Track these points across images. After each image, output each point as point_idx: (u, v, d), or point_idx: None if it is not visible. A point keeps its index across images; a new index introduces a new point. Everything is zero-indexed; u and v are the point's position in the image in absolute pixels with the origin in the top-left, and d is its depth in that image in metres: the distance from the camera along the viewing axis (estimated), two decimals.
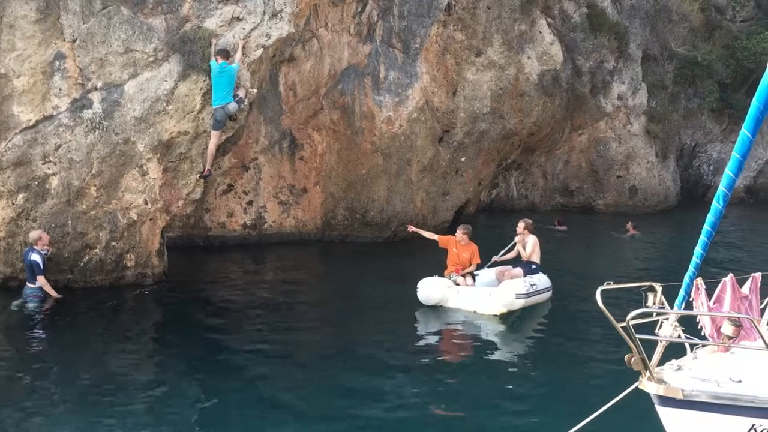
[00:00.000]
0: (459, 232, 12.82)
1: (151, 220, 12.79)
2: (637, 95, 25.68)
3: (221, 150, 14.15)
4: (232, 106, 12.51)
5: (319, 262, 17.16)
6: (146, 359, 9.64)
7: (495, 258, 13.25)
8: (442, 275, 12.56)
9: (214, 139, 12.75)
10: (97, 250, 12.36)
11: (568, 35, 23.03)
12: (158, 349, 10.16)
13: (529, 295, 12.11)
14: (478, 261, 12.81)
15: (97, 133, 12.13)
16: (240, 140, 15.82)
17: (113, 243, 12.46)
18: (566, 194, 26.24)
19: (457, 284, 12.39)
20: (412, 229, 13.84)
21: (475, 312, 11.96)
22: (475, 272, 12.76)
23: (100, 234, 12.33)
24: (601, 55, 24.27)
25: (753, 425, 4.95)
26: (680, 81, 28.13)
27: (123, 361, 9.31)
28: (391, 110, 17.95)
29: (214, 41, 12.52)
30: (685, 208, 26.36)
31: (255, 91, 13.58)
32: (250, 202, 17.53)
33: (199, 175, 12.95)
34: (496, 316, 11.81)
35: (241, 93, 12.74)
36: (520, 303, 11.95)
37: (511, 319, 11.79)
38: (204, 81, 12.46)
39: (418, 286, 12.20)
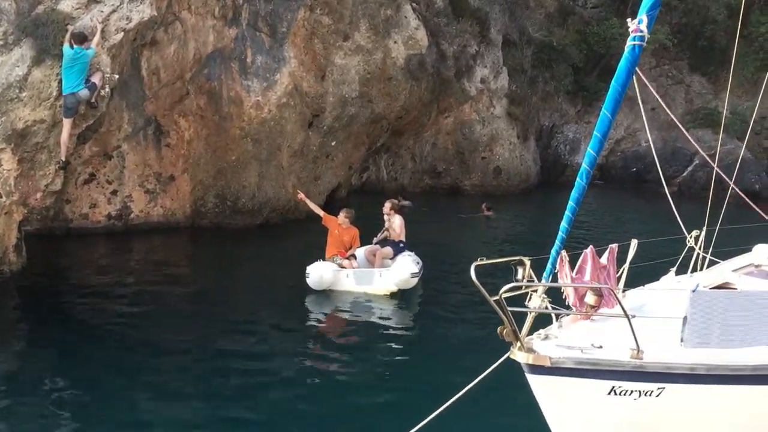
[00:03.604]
0: (341, 215, 12.88)
1: (6, 213, 12.01)
2: (498, 78, 26.63)
3: (81, 138, 13.46)
4: (84, 93, 11.91)
5: (191, 247, 16.75)
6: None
7: (375, 239, 13.43)
8: (323, 259, 12.56)
9: (67, 127, 12.10)
10: None
11: (433, 20, 23.51)
12: (15, 340, 9.70)
13: (420, 273, 12.41)
14: (358, 245, 12.94)
15: None
16: (101, 127, 15.11)
17: None
18: (434, 176, 26.89)
19: (343, 267, 12.43)
20: (301, 196, 13.82)
21: (365, 293, 12.10)
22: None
23: None
24: (464, 39, 24.96)
25: (613, 387, 5.32)
26: (538, 65, 29.42)
27: None
28: (259, 95, 17.69)
29: (70, 27, 11.86)
30: (545, 186, 27.65)
31: (116, 76, 13.00)
32: (114, 192, 16.82)
33: (57, 165, 12.29)
34: (386, 296, 12.01)
35: (96, 79, 12.11)
36: (414, 282, 12.24)
37: (397, 298, 12.08)
38: (60, 67, 11.79)
39: (307, 270, 12.12)
